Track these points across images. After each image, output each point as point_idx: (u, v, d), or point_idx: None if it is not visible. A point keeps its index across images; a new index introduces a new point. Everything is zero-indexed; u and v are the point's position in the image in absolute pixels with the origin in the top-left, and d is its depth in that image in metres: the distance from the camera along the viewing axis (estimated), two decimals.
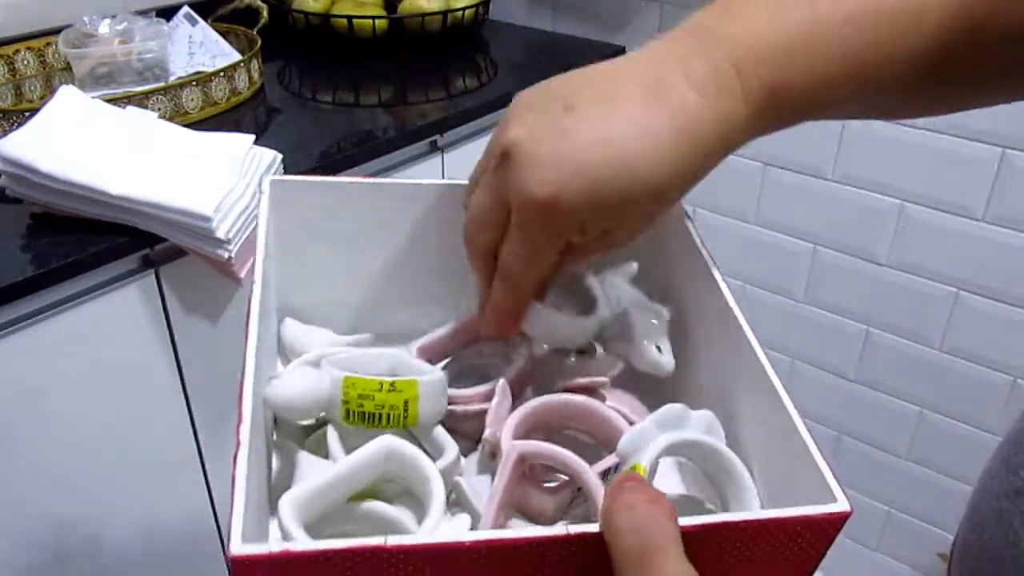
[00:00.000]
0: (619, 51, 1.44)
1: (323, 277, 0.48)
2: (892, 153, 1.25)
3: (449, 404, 0.39)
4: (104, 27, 1.10)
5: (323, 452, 0.38)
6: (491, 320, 0.39)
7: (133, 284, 0.87)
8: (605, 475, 0.36)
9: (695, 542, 0.26)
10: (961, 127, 1.18)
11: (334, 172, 1.03)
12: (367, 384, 0.35)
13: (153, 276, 0.88)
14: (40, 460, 0.86)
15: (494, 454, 0.37)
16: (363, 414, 0.35)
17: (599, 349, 0.44)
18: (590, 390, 0.41)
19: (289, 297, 0.48)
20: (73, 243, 0.82)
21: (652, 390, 0.43)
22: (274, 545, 0.25)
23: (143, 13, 1.17)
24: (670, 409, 0.35)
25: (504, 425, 0.37)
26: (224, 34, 1.23)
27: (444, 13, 1.33)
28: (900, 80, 0.37)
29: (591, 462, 0.36)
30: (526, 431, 0.38)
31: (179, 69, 1.16)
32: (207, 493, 1.03)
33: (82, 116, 0.90)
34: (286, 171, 0.92)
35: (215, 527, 1.06)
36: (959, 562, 0.47)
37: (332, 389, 0.36)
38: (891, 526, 1.50)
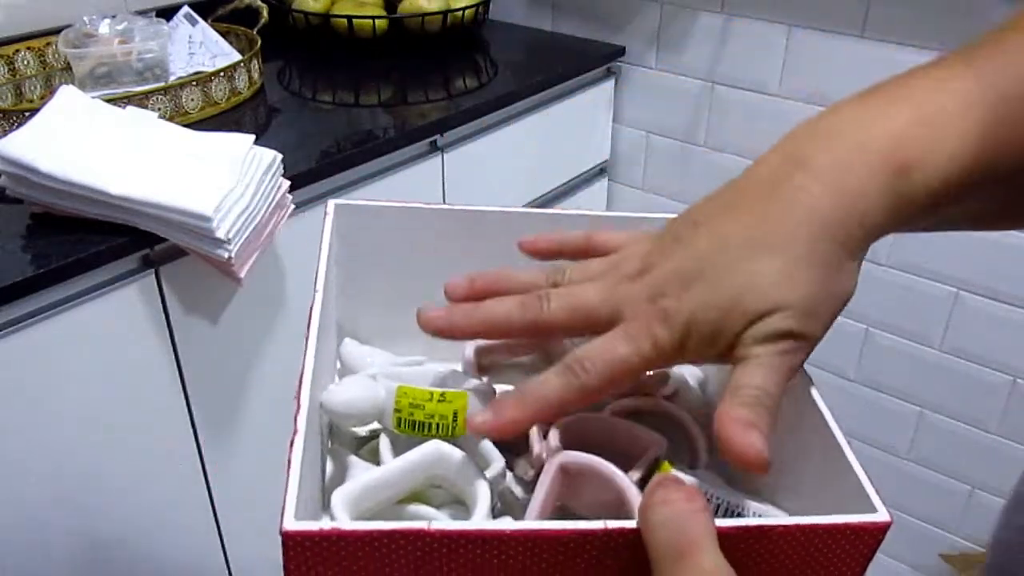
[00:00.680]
0: (619, 51, 1.44)
1: (381, 301, 0.48)
2: None
3: None
4: (104, 27, 1.10)
5: (375, 461, 0.39)
6: (507, 410, 0.34)
7: (133, 284, 0.87)
8: (642, 484, 0.36)
9: (732, 544, 0.27)
10: None
11: (334, 172, 1.03)
12: (418, 394, 0.37)
13: (153, 276, 0.88)
14: (39, 460, 0.86)
15: (537, 469, 0.38)
16: (414, 423, 0.37)
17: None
18: (637, 413, 0.42)
19: (348, 319, 0.49)
20: (73, 243, 0.82)
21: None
22: (324, 523, 0.27)
23: (143, 13, 1.17)
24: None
25: (548, 442, 0.39)
26: (224, 34, 1.23)
27: (444, 13, 1.33)
28: None
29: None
30: (566, 446, 0.39)
31: (179, 69, 1.16)
32: (207, 493, 1.03)
33: (82, 116, 0.90)
34: (286, 171, 0.92)
35: (215, 527, 1.06)
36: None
37: (386, 397, 0.37)
38: (892, 526, 1.50)
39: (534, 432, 0.39)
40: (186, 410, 0.97)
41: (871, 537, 0.31)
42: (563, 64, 1.37)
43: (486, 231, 0.47)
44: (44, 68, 1.19)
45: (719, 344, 0.32)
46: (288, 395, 0.36)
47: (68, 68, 1.13)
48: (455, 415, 0.36)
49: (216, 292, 0.95)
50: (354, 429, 0.42)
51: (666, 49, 1.44)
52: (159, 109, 1.02)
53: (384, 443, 0.38)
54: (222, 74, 1.08)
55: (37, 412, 0.84)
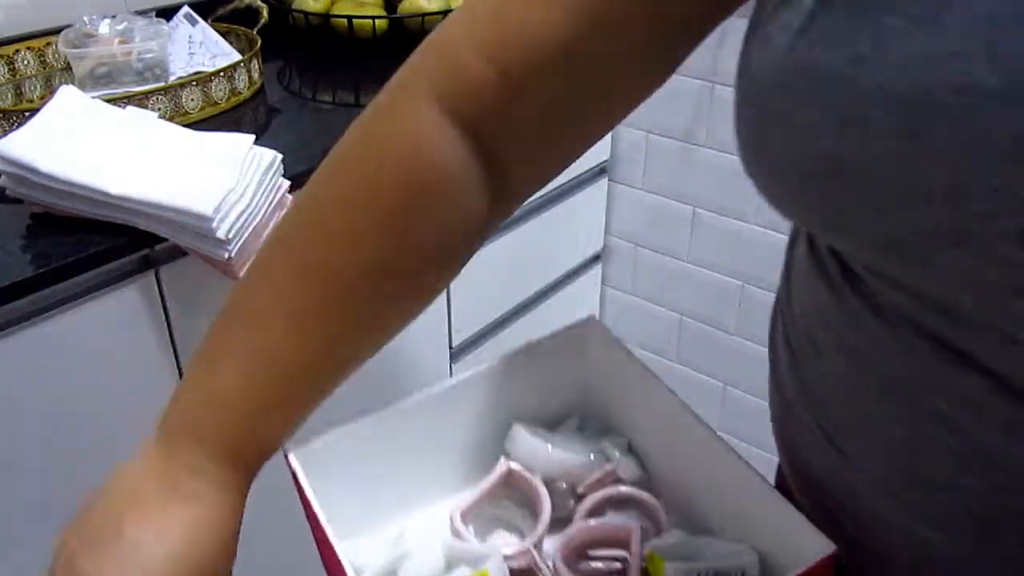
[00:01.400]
0: None
1: (355, 512, 0.53)
2: None
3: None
4: (104, 27, 1.10)
5: None
6: None
7: (133, 284, 0.87)
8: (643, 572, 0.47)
9: None
10: None
11: None
12: None
13: (153, 276, 0.88)
14: (39, 460, 0.86)
15: None
16: None
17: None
18: (603, 507, 0.52)
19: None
20: (73, 243, 0.82)
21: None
22: None
23: (143, 13, 1.17)
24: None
25: (559, 571, 0.47)
26: (224, 34, 1.23)
27: (444, 13, 1.33)
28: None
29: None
30: (568, 560, 0.48)
31: (179, 69, 1.16)
32: None
33: (82, 116, 0.90)
34: (286, 171, 0.92)
35: None
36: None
37: None
38: None
39: (544, 569, 0.47)
40: None
41: (828, 564, 0.39)
42: None
43: (412, 419, 0.54)
44: (44, 68, 1.19)
45: None
46: None
47: (68, 68, 1.13)
48: None
49: (216, 292, 0.95)
50: None
51: None
52: (159, 109, 1.02)
53: None
54: (222, 74, 1.08)
55: (36, 412, 0.84)
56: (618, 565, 0.49)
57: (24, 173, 0.82)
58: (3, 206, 0.87)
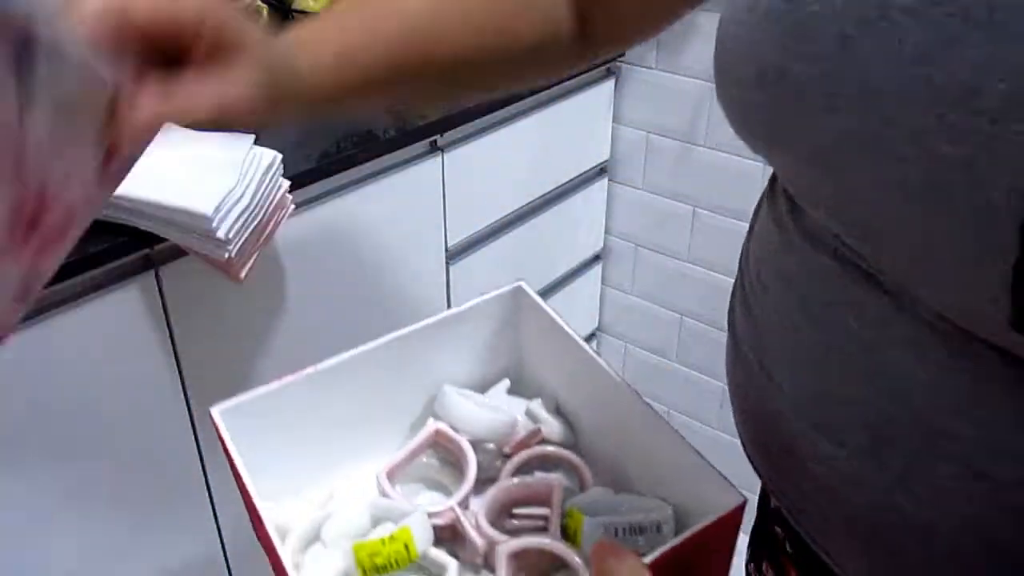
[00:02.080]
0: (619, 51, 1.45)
1: (289, 467, 0.54)
2: None
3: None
4: None
5: None
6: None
7: (133, 284, 0.87)
8: (564, 530, 0.49)
9: (658, 570, 0.36)
10: None
11: (334, 172, 1.03)
12: (371, 545, 0.45)
13: (153, 276, 0.88)
14: (39, 460, 0.86)
15: (482, 553, 0.49)
16: (377, 567, 0.45)
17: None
18: (529, 463, 0.55)
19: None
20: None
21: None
22: None
23: None
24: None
25: (481, 529, 0.49)
26: None
27: None
28: None
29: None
30: (492, 518, 0.50)
31: None
32: (207, 492, 1.03)
33: None
34: (286, 171, 0.92)
35: (215, 526, 1.06)
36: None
37: (344, 559, 0.46)
38: None
39: (467, 527, 0.49)
40: (186, 410, 0.97)
41: (739, 515, 0.42)
42: None
43: (342, 380, 0.54)
44: None
45: None
46: None
47: None
48: (406, 546, 0.45)
49: (216, 292, 0.95)
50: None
51: (666, 49, 1.44)
52: None
53: None
54: None
55: (36, 412, 0.84)
56: (541, 523, 0.50)
57: None
58: None
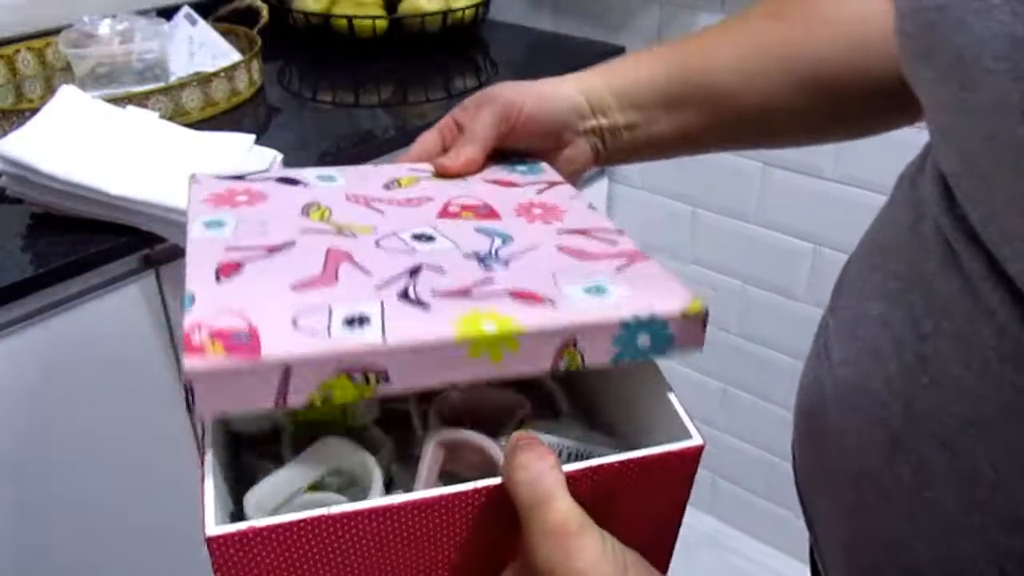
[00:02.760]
0: (619, 51, 1.44)
1: None
2: (893, 153, 1.25)
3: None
4: (104, 27, 1.10)
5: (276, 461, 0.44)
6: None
7: (133, 284, 0.87)
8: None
9: (578, 485, 0.33)
10: None
11: None
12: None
13: (153, 276, 0.88)
14: (38, 460, 0.86)
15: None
16: (309, 420, 0.43)
17: None
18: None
19: None
20: (73, 243, 0.82)
21: None
22: (240, 524, 0.30)
23: (143, 13, 1.17)
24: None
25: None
26: (224, 34, 1.23)
27: (444, 13, 1.33)
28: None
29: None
30: (447, 420, 0.46)
31: (179, 69, 1.16)
32: None
33: (82, 116, 0.90)
34: None
35: None
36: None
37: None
38: None
39: (415, 415, 0.45)
40: (186, 410, 0.97)
41: (690, 460, 0.37)
42: (563, 64, 1.37)
43: None
44: (44, 68, 1.19)
45: None
46: None
47: (68, 68, 1.13)
48: (344, 412, 0.42)
49: None
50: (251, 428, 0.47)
51: None
52: (159, 109, 1.02)
53: (285, 443, 0.43)
54: (222, 74, 1.09)
55: (36, 412, 0.84)
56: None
57: (24, 173, 0.82)
58: (3, 206, 0.87)
